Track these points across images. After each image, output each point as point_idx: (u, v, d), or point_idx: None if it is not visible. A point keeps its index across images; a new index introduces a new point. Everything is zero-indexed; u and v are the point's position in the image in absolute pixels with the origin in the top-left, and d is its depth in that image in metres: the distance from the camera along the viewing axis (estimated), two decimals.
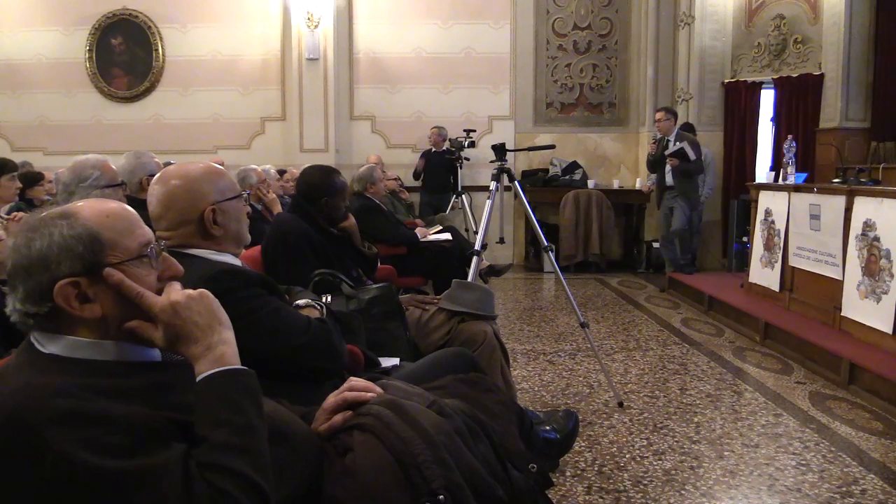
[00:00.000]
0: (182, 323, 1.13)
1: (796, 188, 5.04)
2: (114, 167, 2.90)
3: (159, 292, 1.16)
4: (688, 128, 6.86)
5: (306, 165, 3.16)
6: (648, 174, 7.08)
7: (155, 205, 1.74)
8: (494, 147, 3.69)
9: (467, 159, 7.34)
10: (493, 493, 1.32)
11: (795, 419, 3.33)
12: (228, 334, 1.17)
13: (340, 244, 3.01)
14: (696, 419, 3.32)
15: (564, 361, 4.27)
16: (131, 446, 1.00)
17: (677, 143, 6.40)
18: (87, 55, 8.09)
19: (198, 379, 1.12)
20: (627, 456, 2.91)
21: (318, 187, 2.93)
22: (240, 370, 1.15)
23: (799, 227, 4.89)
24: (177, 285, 1.17)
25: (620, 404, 3.48)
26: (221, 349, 1.14)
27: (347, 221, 3.07)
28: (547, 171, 8.08)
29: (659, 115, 6.59)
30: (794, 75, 6.98)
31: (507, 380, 2.67)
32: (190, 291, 1.16)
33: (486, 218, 3.63)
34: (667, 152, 6.40)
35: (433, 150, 7.72)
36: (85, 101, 8.17)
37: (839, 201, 4.40)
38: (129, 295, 1.11)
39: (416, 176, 7.71)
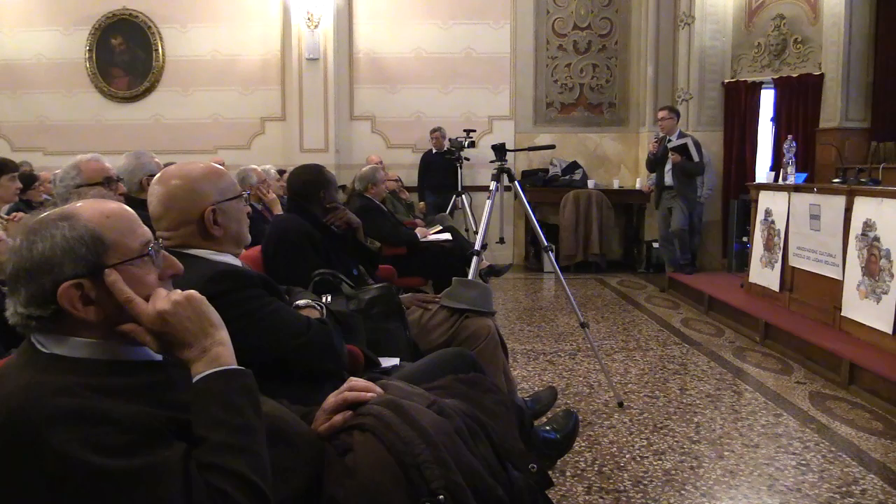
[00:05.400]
0: (171, 330, 1.12)
1: (796, 188, 5.04)
2: (106, 165, 2.91)
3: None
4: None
5: (291, 169, 3.20)
6: (648, 174, 7.07)
7: (155, 205, 1.74)
8: (494, 147, 3.69)
9: (467, 159, 7.33)
10: (493, 493, 1.32)
11: (795, 419, 3.33)
12: (222, 334, 1.17)
13: (341, 243, 3.02)
14: (696, 419, 3.32)
15: (564, 361, 4.27)
16: (132, 445, 1.00)
17: (678, 140, 6.40)
18: (87, 55, 8.09)
19: (194, 380, 1.12)
20: (627, 456, 2.91)
21: (314, 182, 2.97)
22: (236, 370, 1.15)
23: (799, 227, 4.89)
24: (162, 292, 1.16)
25: (620, 404, 3.48)
26: (216, 350, 1.14)
27: (348, 217, 3.09)
28: (547, 171, 8.08)
29: (662, 114, 6.60)
30: (794, 75, 6.98)
31: (507, 376, 2.68)
32: (176, 296, 1.15)
33: (486, 218, 3.63)
34: (670, 145, 6.41)
35: (434, 150, 7.74)
36: (85, 101, 8.17)
37: (839, 201, 4.40)
38: (119, 299, 1.11)
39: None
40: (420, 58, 8.11)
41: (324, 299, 2.08)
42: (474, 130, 7.52)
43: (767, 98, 7.30)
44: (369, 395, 1.47)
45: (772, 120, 7.31)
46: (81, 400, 1.01)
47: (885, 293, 3.89)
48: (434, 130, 7.72)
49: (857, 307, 4.16)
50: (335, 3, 7.80)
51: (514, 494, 1.37)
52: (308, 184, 2.98)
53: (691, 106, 7.48)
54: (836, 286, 4.41)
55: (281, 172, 5.82)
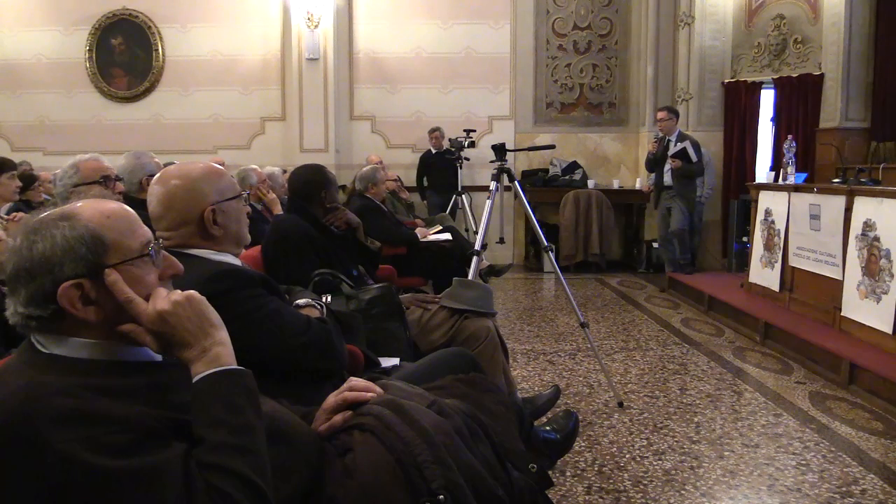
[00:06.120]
0: (171, 330, 1.13)
1: (796, 188, 5.04)
2: (104, 164, 2.91)
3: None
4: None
5: (292, 169, 3.22)
6: (648, 174, 7.08)
7: (155, 205, 1.74)
8: (494, 147, 3.69)
9: (467, 159, 7.34)
10: (493, 493, 1.32)
11: (795, 419, 3.33)
12: (222, 335, 1.17)
13: (341, 243, 3.03)
14: (696, 419, 3.32)
15: (564, 361, 4.27)
16: (132, 446, 1.00)
17: (678, 143, 6.40)
18: (87, 55, 8.09)
19: (194, 380, 1.12)
20: (627, 456, 2.91)
21: (316, 182, 2.99)
22: (236, 370, 1.15)
23: (799, 227, 4.89)
24: (163, 292, 1.16)
25: (620, 404, 3.48)
26: (216, 350, 1.14)
27: (348, 216, 3.10)
28: (547, 171, 8.09)
29: (661, 115, 6.60)
30: (794, 75, 6.98)
31: (507, 376, 2.68)
32: (177, 296, 1.15)
33: (486, 218, 3.63)
34: (669, 153, 6.41)
35: (433, 151, 7.74)
36: (85, 101, 8.17)
37: (839, 201, 4.40)
38: (119, 299, 1.11)
39: None
40: (420, 58, 8.11)
41: (324, 299, 2.08)
42: (474, 130, 7.52)
43: (767, 98, 7.31)
44: (369, 395, 1.47)
45: (772, 120, 7.31)
46: (81, 400, 1.01)
47: (885, 293, 3.89)
48: (433, 130, 7.72)
49: (857, 307, 4.16)
50: (335, 3, 7.81)
51: (514, 494, 1.37)
52: (309, 184, 2.99)
53: (691, 106, 7.49)
54: (836, 286, 4.40)
55: (284, 172, 5.82)
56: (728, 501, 2.56)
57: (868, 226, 4.08)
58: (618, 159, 8.30)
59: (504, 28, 8.11)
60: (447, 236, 5.12)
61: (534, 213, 3.85)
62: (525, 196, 3.86)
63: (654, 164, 6.66)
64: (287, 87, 8.02)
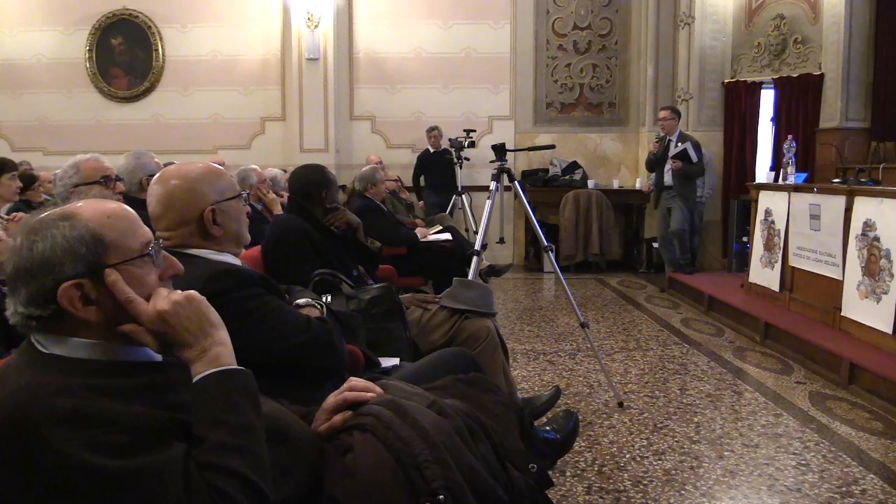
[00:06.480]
0: (171, 330, 1.13)
1: (796, 188, 5.04)
2: (104, 164, 2.92)
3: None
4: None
5: (293, 169, 3.23)
6: (648, 174, 7.07)
7: (154, 205, 1.74)
8: (494, 147, 3.69)
9: (467, 159, 7.34)
10: (494, 494, 1.32)
11: (795, 419, 3.33)
12: (222, 335, 1.17)
13: (341, 243, 3.03)
14: (696, 419, 3.32)
15: (564, 361, 4.27)
16: (132, 446, 1.00)
17: (679, 143, 6.40)
18: (87, 55, 8.09)
19: (194, 380, 1.12)
20: (627, 456, 2.91)
21: (317, 182, 3.01)
22: (236, 370, 1.15)
23: (799, 227, 4.89)
24: (163, 292, 1.16)
25: (620, 404, 3.48)
26: (216, 350, 1.14)
27: (348, 217, 3.11)
28: (547, 171, 8.08)
29: (663, 114, 6.59)
30: (794, 75, 6.97)
31: (507, 376, 2.68)
32: (177, 297, 1.15)
33: (486, 218, 3.63)
34: (670, 154, 6.41)
35: (431, 150, 7.73)
36: (85, 101, 8.17)
37: (839, 201, 4.40)
38: (120, 299, 1.11)
39: None
40: (420, 58, 8.11)
41: (324, 299, 2.08)
42: (474, 130, 7.52)
43: (767, 98, 7.30)
44: (369, 395, 1.47)
45: (772, 120, 7.31)
46: (81, 400, 1.01)
47: (885, 293, 3.89)
48: (431, 129, 7.71)
49: (857, 307, 4.16)
50: (335, 3, 7.80)
51: (514, 494, 1.37)
52: (310, 184, 2.99)
53: (691, 106, 7.48)
54: (836, 286, 4.40)
55: (285, 172, 5.81)
56: (728, 501, 2.56)
57: (868, 226, 4.08)
58: (618, 159, 8.30)
59: (504, 28, 8.11)
60: (447, 236, 5.12)
61: (534, 213, 3.85)
62: (525, 196, 3.86)
63: (655, 164, 6.66)
64: (287, 87, 8.02)
